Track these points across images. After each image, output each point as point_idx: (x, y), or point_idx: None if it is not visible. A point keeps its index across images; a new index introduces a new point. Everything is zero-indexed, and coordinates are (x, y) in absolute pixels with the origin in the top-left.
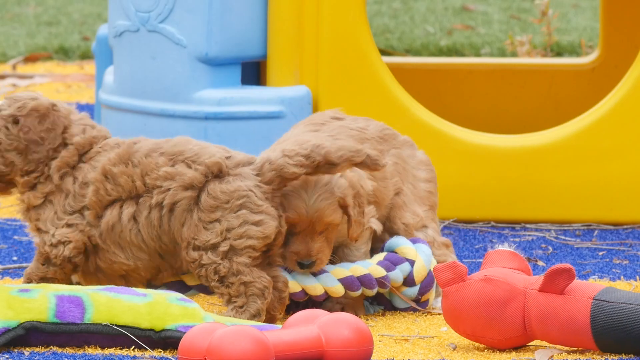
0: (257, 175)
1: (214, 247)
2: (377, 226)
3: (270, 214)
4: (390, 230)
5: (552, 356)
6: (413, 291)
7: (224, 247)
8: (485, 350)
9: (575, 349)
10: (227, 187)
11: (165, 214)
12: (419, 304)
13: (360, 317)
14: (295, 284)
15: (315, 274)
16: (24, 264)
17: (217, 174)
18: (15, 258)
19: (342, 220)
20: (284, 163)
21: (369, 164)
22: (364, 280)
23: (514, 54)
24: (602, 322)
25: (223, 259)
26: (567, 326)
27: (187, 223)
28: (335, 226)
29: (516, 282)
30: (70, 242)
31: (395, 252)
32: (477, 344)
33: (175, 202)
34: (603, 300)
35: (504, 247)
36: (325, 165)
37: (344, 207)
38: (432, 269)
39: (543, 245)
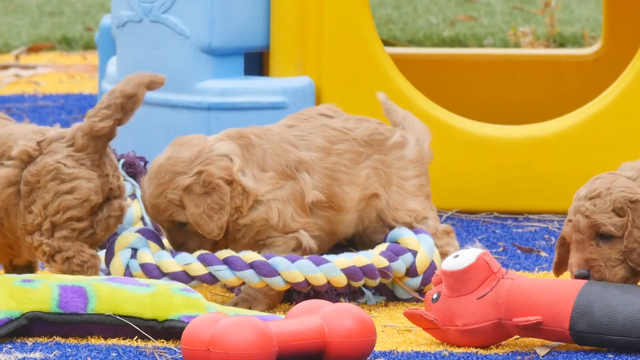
0: (69, 146)
1: (38, 227)
2: (308, 241)
3: (85, 177)
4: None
5: (552, 349)
6: (415, 282)
7: (46, 225)
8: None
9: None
10: (34, 168)
11: (3, 216)
12: (422, 295)
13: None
14: (298, 274)
15: (317, 264)
16: None
17: (29, 160)
18: None
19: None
20: (90, 123)
21: (155, 81)
22: (367, 271)
23: (516, 45)
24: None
25: (48, 238)
26: None
27: (18, 214)
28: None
29: (488, 315)
30: None
31: (398, 243)
32: None
33: (3, 202)
34: (580, 331)
35: (475, 246)
36: (129, 101)
37: (181, 205)
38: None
39: (546, 236)
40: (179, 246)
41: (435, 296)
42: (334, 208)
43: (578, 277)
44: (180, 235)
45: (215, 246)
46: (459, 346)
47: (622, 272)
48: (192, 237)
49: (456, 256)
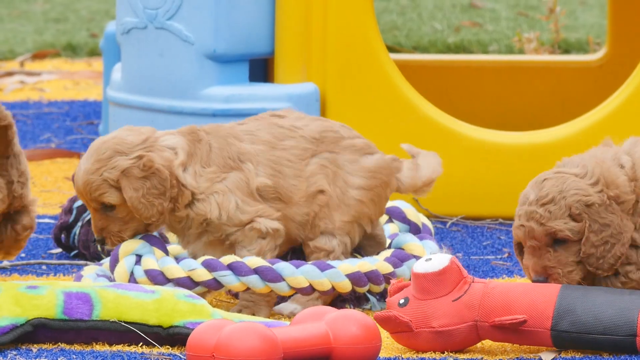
0: None
1: None
2: (268, 225)
3: None
4: (318, 231)
5: (558, 354)
6: None
7: None
8: (491, 348)
9: (582, 350)
10: None
11: None
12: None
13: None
14: (302, 279)
15: (322, 270)
16: (31, 261)
17: None
18: (23, 255)
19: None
20: None
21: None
22: (372, 276)
23: (521, 51)
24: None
25: None
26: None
27: None
28: (124, 203)
29: (464, 317)
30: None
31: (403, 249)
32: (485, 342)
33: None
34: (562, 331)
35: (443, 252)
36: None
37: (117, 187)
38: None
39: None
40: (100, 230)
41: (402, 301)
42: (282, 200)
43: (536, 282)
44: (104, 219)
45: (135, 233)
46: (425, 351)
47: (578, 277)
48: (115, 222)
49: (428, 259)
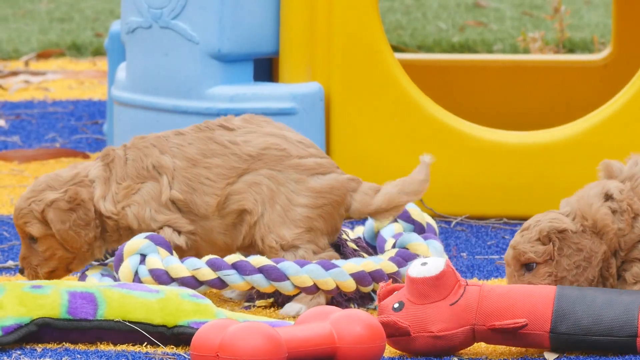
0: None
1: None
2: (173, 238)
3: None
4: (256, 249)
5: (562, 355)
6: None
7: None
8: (494, 349)
9: (588, 351)
10: None
11: None
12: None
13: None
14: (307, 278)
15: (327, 269)
16: None
17: None
18: None
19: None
20: None
21: None
22: (376, 276)
23: (526, 51)
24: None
25: None
26: None
27: None
28: (44, 238)
29: (462, 321)
30: None
31: (407, 249)
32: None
33: None
34: (561, 333)
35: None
36: None
37: (41, 221)
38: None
39: None
40: (21, 259)
41: (397, 305)
42: (195, 214)
43: None
44: (28, 249)
45: (52, 270)
46: (422, 357)
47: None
48: (36, 255)
49: (424, 264)
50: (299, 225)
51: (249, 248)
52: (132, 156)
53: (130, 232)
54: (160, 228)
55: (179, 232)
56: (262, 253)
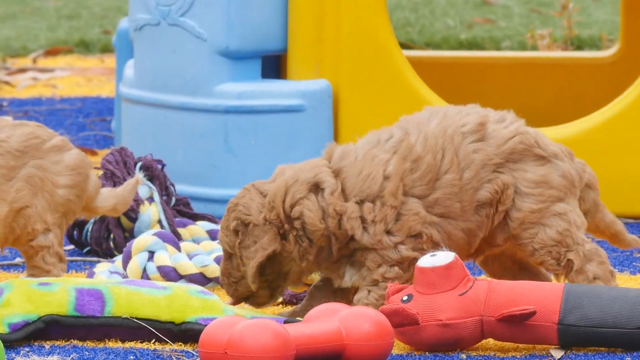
0: None
1: None
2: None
3: None
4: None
5: (569, 351)
6: None
7: None
8: (502, 346)
9: (594, 345)
10: None
11: None
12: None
13: None
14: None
15: None
16: None
17: None
18: None
19: None
20: None
21: None
22: None
23: (534, 48)
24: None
25: None
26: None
27: None
28: None
29: (471, 311)
30: None
31: None
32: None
33: None
34: (569, 325)
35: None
36: None
37: None
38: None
39: None
40: None
41: (405, 297)
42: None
43: None
44: None
45: None
46: (430, 348)
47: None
48: None
49: (433, 255)
50: (58, 209)
51: None
52: None
53: None
54: None
55: None
56: None
